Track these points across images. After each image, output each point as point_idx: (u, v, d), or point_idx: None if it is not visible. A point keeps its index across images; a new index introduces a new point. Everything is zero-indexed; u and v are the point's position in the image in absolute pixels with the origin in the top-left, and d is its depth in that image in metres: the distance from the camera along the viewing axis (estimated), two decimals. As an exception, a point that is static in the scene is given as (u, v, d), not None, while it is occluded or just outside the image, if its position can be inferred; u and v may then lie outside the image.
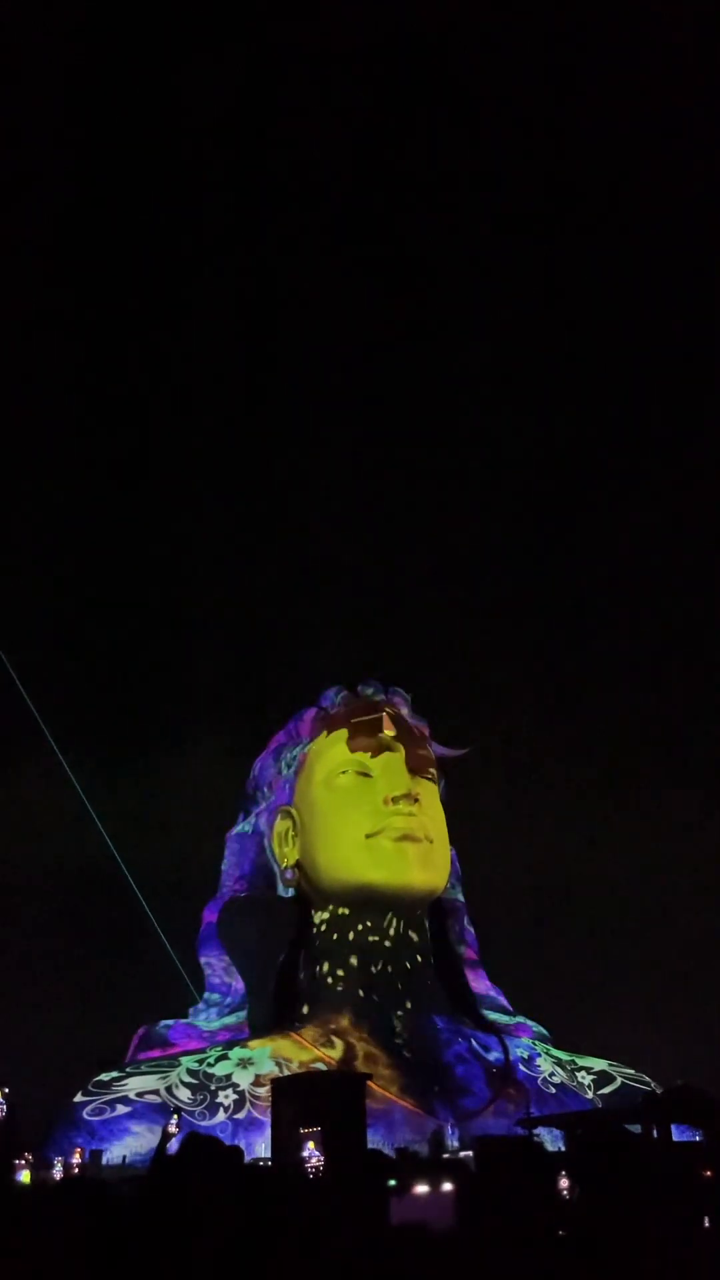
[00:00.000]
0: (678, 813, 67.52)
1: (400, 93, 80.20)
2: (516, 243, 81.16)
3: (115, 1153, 39.74)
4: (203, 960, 49.02)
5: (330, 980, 45.74)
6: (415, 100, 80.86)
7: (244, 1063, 43.00)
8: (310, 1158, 32.38)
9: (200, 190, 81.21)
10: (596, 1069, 47.41)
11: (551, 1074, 45.90)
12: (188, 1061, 43.44)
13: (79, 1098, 41.79)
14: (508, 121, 79.73)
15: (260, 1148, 39.11)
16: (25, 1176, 33.58)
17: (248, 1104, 41.43)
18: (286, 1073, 41.66)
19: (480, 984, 49.30)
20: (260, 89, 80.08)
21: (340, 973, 45.73)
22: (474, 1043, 45.92)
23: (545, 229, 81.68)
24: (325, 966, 46.06)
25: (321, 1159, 32.33)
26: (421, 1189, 32.63)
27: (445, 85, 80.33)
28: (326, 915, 46.73)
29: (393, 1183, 32.84)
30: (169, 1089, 41.85)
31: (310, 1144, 32.96)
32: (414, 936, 46.71)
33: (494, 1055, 45.67)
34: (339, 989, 45.46)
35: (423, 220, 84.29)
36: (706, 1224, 33.72)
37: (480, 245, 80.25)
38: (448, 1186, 32.47)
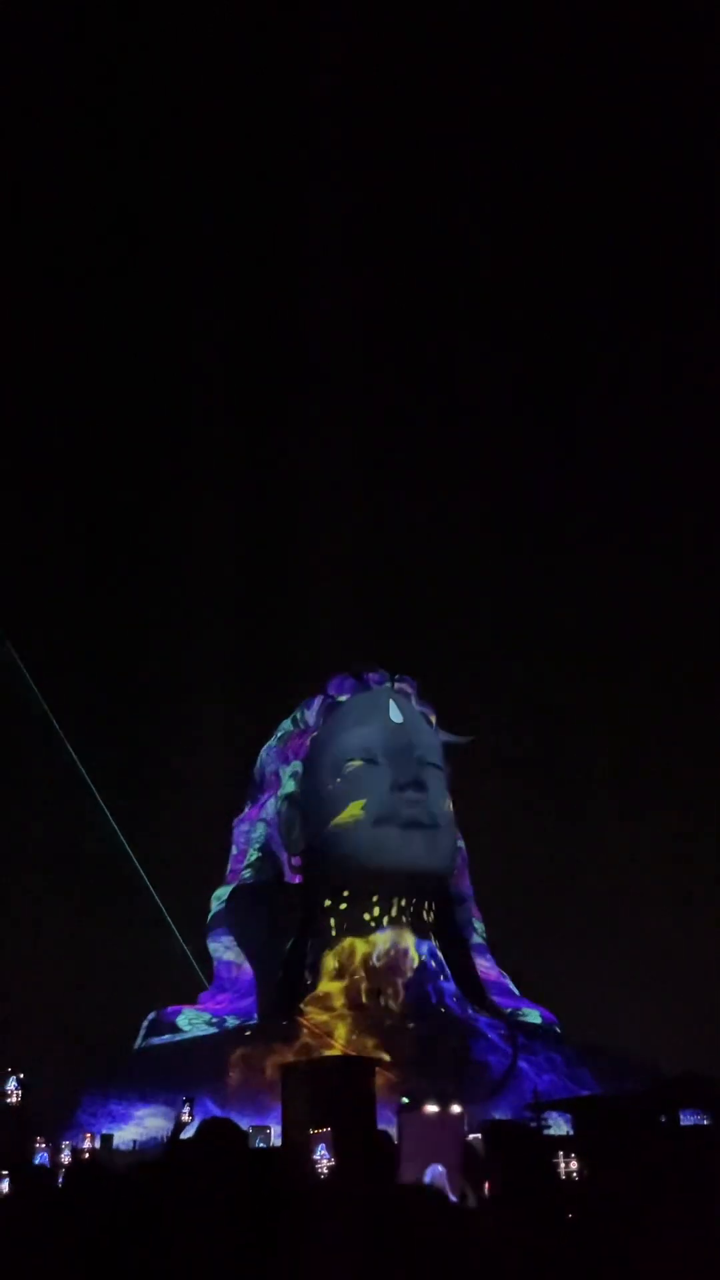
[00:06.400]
0: (684, 799, 67.67)
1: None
2: (514, 233, 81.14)
3: (126, 1137, 40.05)
4: (211, 946, 49.24)
5: (338, 965, 45.93)
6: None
7: (254, 1048, 43.17)
8: (321, 1159, 32.73)
9: (205, 188, 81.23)
10: (604, 1053, 47.57)
11: (559, 1058, 46.06)
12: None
13: (91, 1083, 42.10)
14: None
15: (270, 1132, 39.35)
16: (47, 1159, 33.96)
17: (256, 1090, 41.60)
18: (296, 1058, 41.84)
19: (488, 969, 49.50)
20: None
21: (348, 958, 45.92)
22: (481, 1027, 46.10)
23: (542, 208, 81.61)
24: (333, 951, 46.23)
25: (332, 1160, 32.72)
26: (431, 1108, 33.28)
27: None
28: (334, 901, 46.86)
29: (405, 1100, 33.48)
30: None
31: (322, 1145, 33.22)
32: (421, 922, 46.89)
33: (501, 1040, 45.84)
34: (347, 974, 45.64)
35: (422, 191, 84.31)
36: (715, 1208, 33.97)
37: (475, 228, 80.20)
38: (456, 1109, 33.20)
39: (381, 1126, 35.39)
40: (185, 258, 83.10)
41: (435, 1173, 32.48)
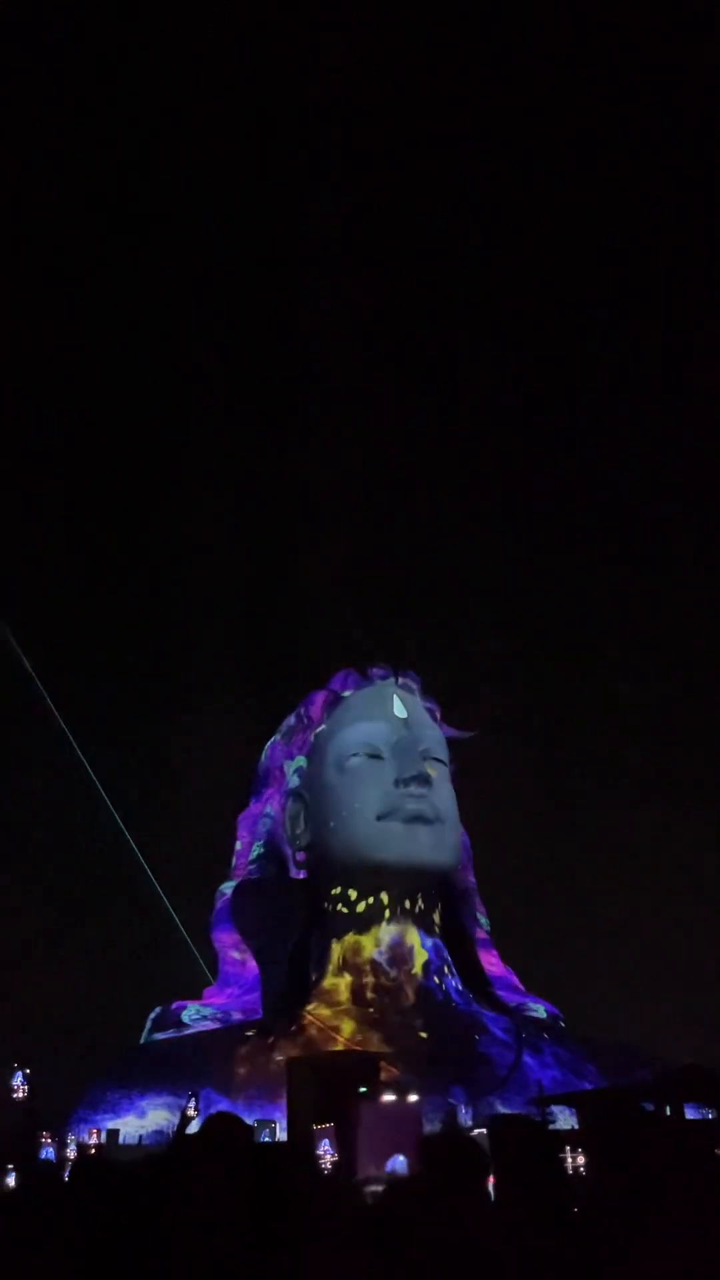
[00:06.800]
0: (688, 794, 67.64)
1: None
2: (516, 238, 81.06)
3: (132, 1132, 39.99)
4: (216, 941, 49.27)
5: (343, 961, 45.98)
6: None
7: (260, 1044, 43.20)
8: (325, 1154, 32.78)
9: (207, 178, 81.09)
10: (609, 1047, 47.59)
11: (564, 1052, 46.09)
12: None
13: (96, 1078, 42.08)
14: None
15: (276, 1126, 39.33)
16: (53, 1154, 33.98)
17: (262, 1084, 41.62)
18: (300, 1053, 41.89)
19: (493, 964, 49.52)
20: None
21: (353, 953, 45.97)
22: (486, 1021, 46.14)
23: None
24: (337, 947, 46.28)
25: (335, 1155, 32.81)
26: (389, 1097, 33.54)
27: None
28: (338, 896, 46.92)
29: (363, 1090, 33.64)
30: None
31: (326, 1141, 33.25)
32: (426, 917, 46.94)
33: (506, 1034, 45.88)
34: (352, 969, 45.69)
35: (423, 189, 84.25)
36: (720, 1200, 33.94)
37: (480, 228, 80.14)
38: (414, 1097, 33.56)
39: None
40: (185, 257, 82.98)
41: (397, 1163, 32.50)
